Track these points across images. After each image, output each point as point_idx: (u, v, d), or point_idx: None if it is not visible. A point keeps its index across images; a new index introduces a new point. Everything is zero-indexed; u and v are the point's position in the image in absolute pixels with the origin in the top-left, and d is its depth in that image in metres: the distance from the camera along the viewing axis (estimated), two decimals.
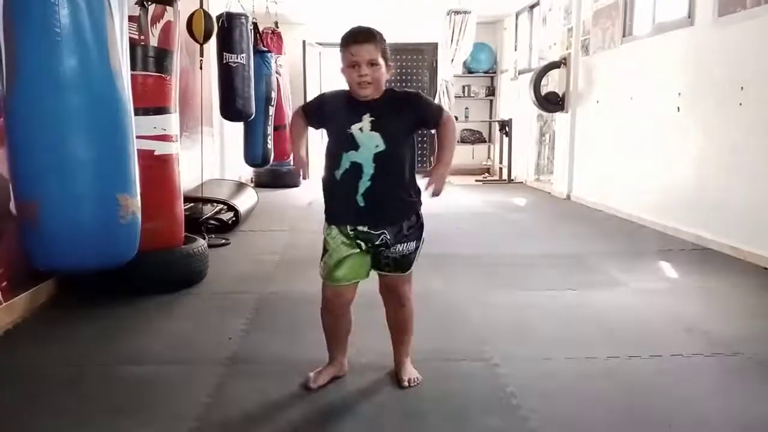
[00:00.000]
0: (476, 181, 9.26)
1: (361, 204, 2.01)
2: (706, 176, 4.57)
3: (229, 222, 5.11)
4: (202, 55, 4.65)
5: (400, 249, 2.08)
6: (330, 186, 2.08)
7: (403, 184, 2.07)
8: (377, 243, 2.04)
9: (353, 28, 1.98)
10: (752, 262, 3.95)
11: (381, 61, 1.96)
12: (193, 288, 3.38)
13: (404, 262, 2.11)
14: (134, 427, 1.90)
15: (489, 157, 10.39)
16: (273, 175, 8.35)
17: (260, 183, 8.33)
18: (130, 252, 2.30)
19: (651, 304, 3.14)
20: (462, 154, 10.34)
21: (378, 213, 2.03)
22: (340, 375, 2.21)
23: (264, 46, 6.57)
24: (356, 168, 1.99)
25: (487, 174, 10.03)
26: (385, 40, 1.99)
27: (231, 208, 5.21)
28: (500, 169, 9.52)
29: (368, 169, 1.99)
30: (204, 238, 3.87)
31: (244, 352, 2.49)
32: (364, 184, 1.99)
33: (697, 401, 2.08)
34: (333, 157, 2.04)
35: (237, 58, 5.24)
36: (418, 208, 2.13)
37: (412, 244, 2.11)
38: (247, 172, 8.53)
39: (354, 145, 1.99)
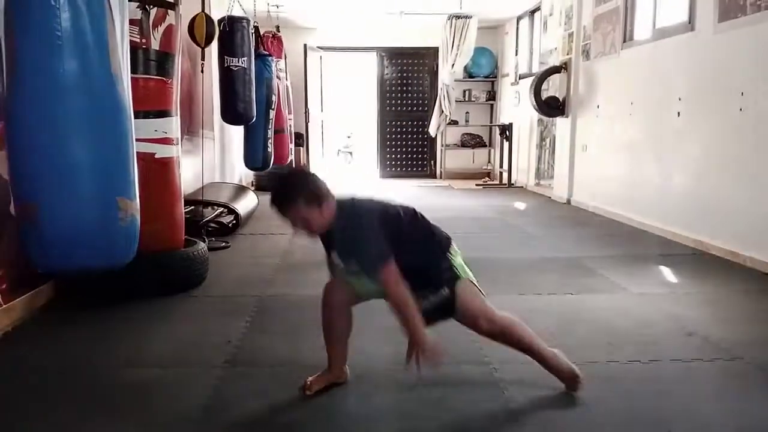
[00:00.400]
0: (476, 185, 9.27)
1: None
2: (705, 181, 4.57)
3: (230, 225, 5.12)
4: (203, 58, 4.67)
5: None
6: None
7: (409, 276, 1.94)
8: None
9: (271, 193, 1.96)
10: (752, 267, 3.95)
11: (306, 213, 1.92)
12: (193, 291, 3.38)
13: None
14: (133, 429, 1.90)
15: (489, 162, 10.40)
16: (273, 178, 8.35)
17: (261, 186, 8.34)
18: (129, 254, 2.30)
19: (651, 308, 3.14)
20: (463, 159, 10.37)
21: None
22: (339, 382, 2.18)
23: (265, 49, 6.58)
24: (362, 282, 2.03)
25: (487, 178, 10.04)
26: (301, 193, 1.91)
27: (231, 211, 5.21)
28: (501, 173, 9.52)
29: (370, 284, 2.00)
30: (204, 241, 3.87)
31: (244, 355, 2.49)
32: (377, 289, 2.00)
33: (697, 406, 2.08)
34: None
35: (238, 61, 5.25)
36: (442, 278, 2.01)
37: (435, 299, 2.00)
38: (247, 175, 8.54)
39: (343, 271, 2.04)
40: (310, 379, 2.14)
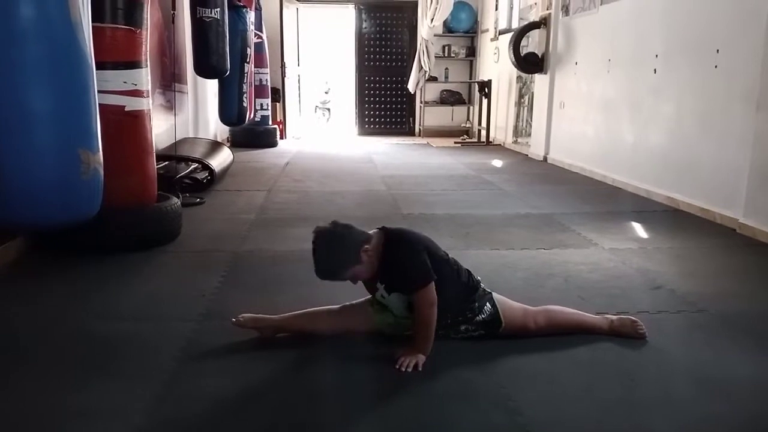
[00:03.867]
0: (455, 143, 9.25)
1: (407, 316, 2.13)
2: (679, 138, 4.62)
3: (204, 181, 5.07)
4: (174, 8, 4.53)
5: (458, 337, 2.18)
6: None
7: (448, 307, 2.10)
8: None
9: (316, 267, 2.04)
10: (722, 223, 4.03)
11: (356, 271, 2.05)
12: (167, 246, 3.36)
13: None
14: (106, 381, 1.90)
15: (468, 119, 10.37)
16: (250, 134, 8.25)
17: (236, 142, 8.23)
18: (93, 208, 2.25)
19: (620, 263, 3.20)
20: (441, 116, 10.31)
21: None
22: (266, 334, 2.17)
23: (239, 0, 6.41)
24: (400, 320, 2.15)
25: (465, 136, 10.01)
26: (347, 263, 2.02)
27: (206, 167, 5.15)
28: (479, 131, 9.51)
29: (408, 321, 2.11)
30: (178, 197, 3.83)
31: (217, 309, 2.49)
32: (396, 322, 2.16)
33: (661, 356, 2.14)
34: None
35: (211, 12, 5.11)
36: (475, 310, 2.15)
37: (474, 334, 2.18)
38: (222, 131, 8.41)
39: (388, 308, 2.15)
40: (247, 315, 2.17)
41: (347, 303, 2.23)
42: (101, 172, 2.26)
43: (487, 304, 2.17)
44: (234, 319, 2.16)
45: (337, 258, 2.03)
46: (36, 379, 1.92)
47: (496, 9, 9.16)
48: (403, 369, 1.95)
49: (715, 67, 4.17)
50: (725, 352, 2.18)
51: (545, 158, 7.12)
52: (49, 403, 1.78)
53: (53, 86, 2.07)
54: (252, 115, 7.27)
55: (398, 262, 2.05)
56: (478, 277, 2.25)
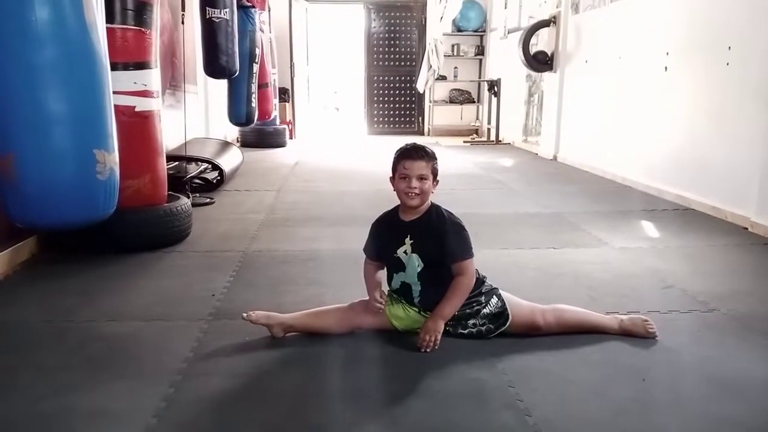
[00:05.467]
0: (464, 142, 9.24)
1: (419, 306, 2.19)
2: (690, 137, 4.58)
3: (214, 181, 5.09)
4: (183, 9, 4.55)
5: (466, 332, 2.18)
6: (390, 291, 2.26)
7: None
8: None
9: (409, 145, 2.17)
10: (733, 222, 3.99)
11: (430, 176, 2.13)
12: (177, 246, 3.38)
13: (478, 337, 2.18)
14: (116, 380, 1.91)
15: (478, 118, 10.34)
16: (259, 134, 8.27)
17: (246, 142, 8.27)
18: (109, 208, 2.28)
19: (631, 262, 3.18)
20: (451, 115, 10.30)
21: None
22: (275, 333, 2.18)
23: (248, 1, 6.42)
24: (406, 287, 2.18)
25: (475, 135, 9.99)
26: (436, 159, 2.17)
27: (216, 167, 5.17)
28: (488, 130, 9.48)
29: (416, 287, 2.17)
30: (188, 197, 3.85)
31: (227, 309, 2.50)
32: (416, 297, 2.18)
33: (672, 355, 2.12)
34: (388, 273, 2.25)
35: (220, 13, 5.12)
36: (482, 303, 2.18)
37: (482, 329, 2.18)
38: (232, 132, 8.44)
39: (401, 266, 2.17)
40: (258, 312, 2.19)
41: (356, 300, 2.24)
42: (117, 171, 2.28)
43: (494, 297, 2.20)
44: (245, 314, 2.17)
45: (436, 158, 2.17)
46: (46, 379, 1.93)
47: (506, 8, 9.13)
48: (428, 350, 2.05)
49: (727, 64, 4.14)
50: (737, 352, 2.16)
51: (555, 157, 7.09)
52: (59, 403, 1.79)
53: (69, 87, 2.09)
54: (270, 116, 7.31)
55: (450, 230, 2.13)
56: (484, 275, 2.26)
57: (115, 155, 2.27)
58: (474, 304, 2.17)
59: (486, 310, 2.17)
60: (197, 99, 6.62)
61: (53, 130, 2.08)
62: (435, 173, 2.15)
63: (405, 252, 2.15)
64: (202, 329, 2.30)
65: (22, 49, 2.02)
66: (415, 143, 2.19)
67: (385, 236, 2.22)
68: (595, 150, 6.16)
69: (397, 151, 2.17)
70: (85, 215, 2.22)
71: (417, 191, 2.11)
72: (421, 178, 2.10)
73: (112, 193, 2.27)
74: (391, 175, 2.18)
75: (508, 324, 2.17)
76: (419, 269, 2.14)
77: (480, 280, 2.22)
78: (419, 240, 2.14)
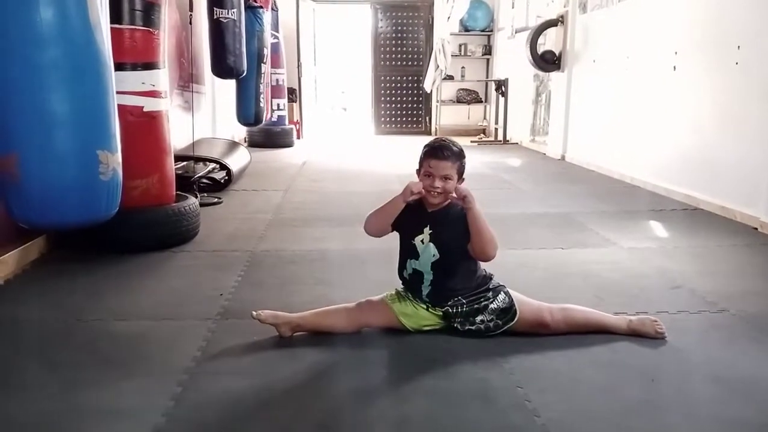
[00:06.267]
0: (471, 142, 9.22)
1: (427, 300, 2.21)
2: (698, 136, 4.56)
3: (222, 181, 5.10)
4: (191, 9, 4.57)
5: (474, 328, 2.18)
6: (401, 279, 2.27)
7: (465, 285, 2.19)
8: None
9: (437, 142, 2.16)
10: (742, 222, 3.97)
11: (455, 176, 2.13)
12: (185, 246, 3.39)
13: (486, 333, 2.18)
14: (124, 379, 1.92)
15: (485, 118, 10.32)
16: (266, 134, 8.29)
17: (253, 142, 8.28)
18: (111, 209, 2.28)
19: (639, 262, 3.17)
20: (458, 115, 10.29)
21: (443, 309, 2.20)
22: (283, 332, 2.18)
23: (255, 1, 6.44)
24: (418, 274, 2.20)
25: (482, 135, 9.98)
26: (464, 157, 2.17)
27: (223, 167, 5.18)
28: (496, 129, 9.46)
29: (428, 276, 2.18)
30: (196, 197, 3.86)
31: (235, 308, 2.51)
32: (426, 288, 2.19)
33: (681, 355, 2.11)
34: (401, 259, 2.25)
35: (228, 13, 5.14)
36: (490, 298, 2.19)
37: (490, 324, 2.18)
38: (240, 132, 8.46)
39: (415, 254, 2.19)
40: (266, 311, 2.19)
41: (363, 300, 2.24)
42: (120, 172, 2.28)
43: (501, 293, 2.20)
44: (254, 313, 2.18)
45: (464, 156, 2.18)
46: (55, 378, 1.94)
47: (513, 7, 9.11)
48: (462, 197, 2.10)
49: (736, 63, 4.11)
50: (746, 353, 2.14)
51: (563, 157, 7.07)
52: (68, 401, 1.80)
53: (73, 88, 2.09)
54: (269, 116, 7.30)
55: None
56: (491, 273, 2.27)
57: (119, 156, 2.27)
58: (482, 299, 2.18)
59: (494, 305, 2.18)
60: (205, 99, 6.64)
61: (56, 130, 2.08)
62: (461, 172, 2.16)
63: (422, 241, 2.17)
64: (210, 329, 2.30)
65: (26, 49, 2.02)
66: (443, 140, 2.18)
67: (407, 216, 2.20)
68: (603, 150, 6.14)
69: (425, 146, 2.17)
70: (87, 216, 2.22)
71: (439, 190, 2.12)
72: (446, 178, 2.11)
73: (114, 193, 2.27)
74: (417, 167, 2.19)
75: (515, 320, 2.17)
76: (434, 259, 2.16)
77: (487, 277, 2.23)
78: (438, 230, 2.16)
